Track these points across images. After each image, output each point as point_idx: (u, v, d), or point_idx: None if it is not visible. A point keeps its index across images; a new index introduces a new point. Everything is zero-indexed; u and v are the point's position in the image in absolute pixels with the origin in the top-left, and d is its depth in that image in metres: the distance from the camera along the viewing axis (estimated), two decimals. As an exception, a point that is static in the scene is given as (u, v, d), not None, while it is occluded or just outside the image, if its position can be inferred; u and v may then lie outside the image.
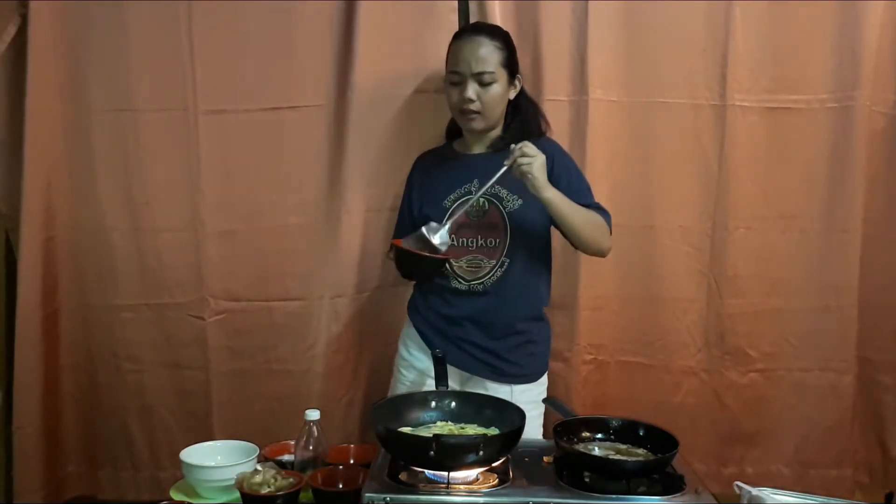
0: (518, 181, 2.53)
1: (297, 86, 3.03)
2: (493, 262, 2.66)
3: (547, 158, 2.56)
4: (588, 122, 3.04)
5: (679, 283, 3.18)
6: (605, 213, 2.69)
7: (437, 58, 2.86)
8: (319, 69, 3.02)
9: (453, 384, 2.62)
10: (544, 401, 2.57)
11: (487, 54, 2.62)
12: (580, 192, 2.67)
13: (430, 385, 2.61)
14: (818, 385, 3.23)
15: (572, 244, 2.68)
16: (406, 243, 2.56)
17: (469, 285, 2.68)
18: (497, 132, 2.75)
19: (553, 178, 2.58)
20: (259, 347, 3.16)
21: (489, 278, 2.67)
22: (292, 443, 2.38)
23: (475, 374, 2.70)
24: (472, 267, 2.67)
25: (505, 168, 2.46)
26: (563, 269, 3.07)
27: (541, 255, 2.75)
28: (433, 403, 2.37)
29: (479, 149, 2.76)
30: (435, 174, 2.79)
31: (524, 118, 2.77)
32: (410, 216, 2.83)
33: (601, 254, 2.69)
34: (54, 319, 3.10)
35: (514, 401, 2.47)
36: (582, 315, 3.14)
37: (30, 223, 2.97)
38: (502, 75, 2.64)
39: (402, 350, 2.87)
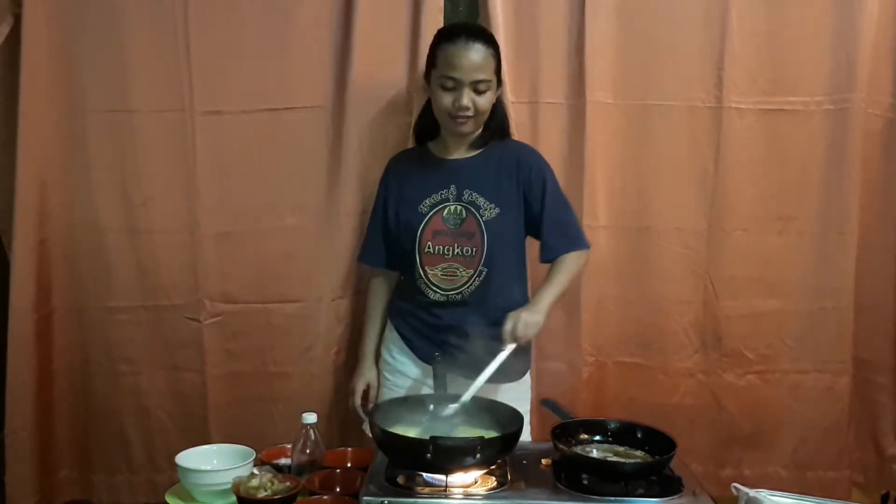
0: (494, 188, 2.63)
1: (294, 87, 3.02)
2: (471, 271, 2.64)
3: (523, 166, 2.67)
4: (586, 125, 3.04)
5: (676, 284, 3.17)
6: (582, 244, 2.75)
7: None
8: (317, 70, 3.02)
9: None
10: (542, 403, 2.56)
11: (485, 62, 2.59)
12: (564, 222, 2.73)
13: (421, 390, 2.64)
14: (815, 386, 3.23)
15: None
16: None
17: (447, 296, 2.66)
18: (476, 133, 2.73)
19: (528, 187, 2.65)
20: (256, 350, 3.15)
21: (467, 288, 2.65)
22: (289, 446, 2.37)
23: (459, 376, 2.68)
24: (447, 276, 2.65)
25: (505, 355, 2.45)
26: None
27: (517, 261, 2.75)
28: (431, 406, 2.37)
29: (457, 152, 2.74)
30: (411, 178, 2.76)
31: (500, 120, 2.77)
32: (384, 222, 2.81)
33: None
34: (48, 322, 3.08)
35: (497, 399, 2.49)
36: (582, 317, 3.14)
37: (23, 224, 2.95)
38: (494, 81, 2.63)
39: (386, 355, 2.85)
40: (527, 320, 2.47)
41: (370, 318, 2.92)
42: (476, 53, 2.58)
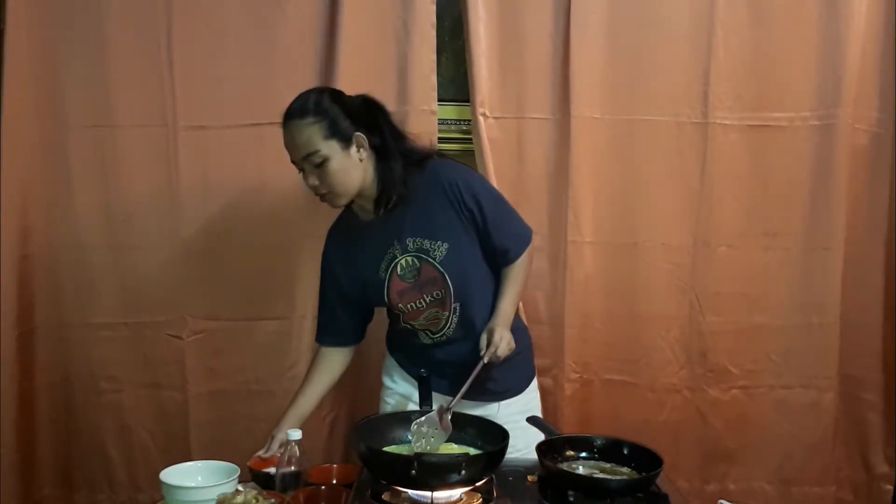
0: (434, 225, 2.48)
1: (278, 101, 2.96)
2: (447, 312, 2.55)
3: (449, 189, 2.47)
4: (571, 140, 3.04)
5: (661, 300, 3.18)
6: (529, 236, 2.63)
7: (418, 75, 2.85)
8: (301, 85, 2.96)
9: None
10: (529, 420, 2.55)
11: (303, 137, 2.38)
12: (509, 221, 2.61)
13: (411, 407, 2.59)
14: (800, 402, 3.24)
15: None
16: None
17: (434, 339, 2.60)
18: (372, 194, 2.51)
19: (464, 207, 2.49)
20: (238, 367, 3.15)
21: (448, 328, 2.57)
22: (279, 454, 2.35)
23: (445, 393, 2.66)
24: (431, 321, 2.57)
25: (481, 365, 2.39)
26: (550, 287, 3.13)
27: (486, 284, 2.62)
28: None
29: (375, 212, 2.55)
30: (355, 249, 2.61)
31: (394, 167, 2.50)
32: (341, 296, 2.65)
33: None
34: (30, 338, 3.06)
35: (500, 415, 2.49)
36: (567, 333, 3.14)
37: (5, 240, 2.94)
38: (333, 147, 2.39)
39: (387, 381, 2.79)
40: (507, 338, 2.44)
41: (308, 387, 2.63)
42: (292, 133, 2.41)
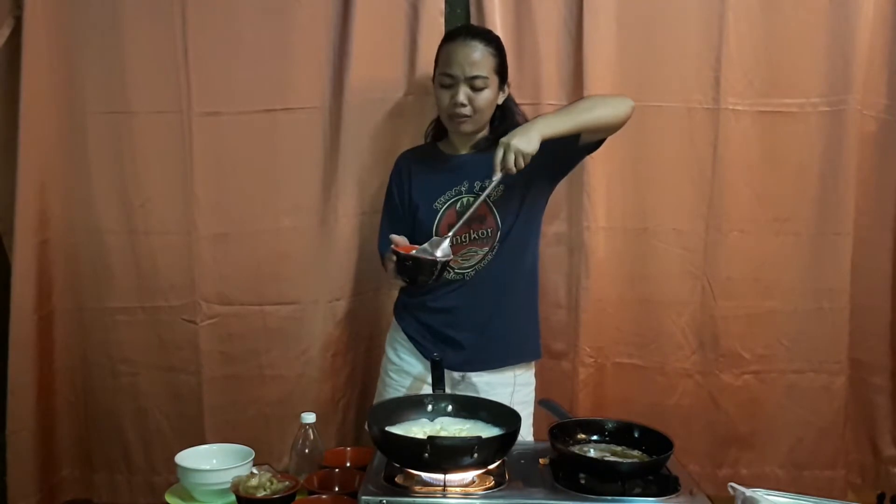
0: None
1: (291, 88, 3.03)
2: (486, 249, 2.65)
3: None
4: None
5: (673, 285, 3.18)
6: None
7: (430, 61, 2.86)
8: (314, 71, 3.03)
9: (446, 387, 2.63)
10: (540, 403, 2.56)
11: (482, 59, 2.60)
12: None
13: (425, 390, 2.61)
14: (811, 387, 3.24)
15: (597, 142, 2.66)
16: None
17: (463, 272, 2.66)
18: (483, 133, 2.73)
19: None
20: (252, 352, 3.16)
21: (480, 264, 2.66)
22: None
23: (470, 371, 2.70)
24: (465, 259, 2.66)
25: (496, 180, 2.42)
26: (568, 272, 3.16)
27: (528, 241, 2.74)
28: (429, 406, 2.37)
29: (464, 149, 2.74)
30: (423, 175, 2.76)
31: (510, 122, 2.72)
32: (404, 210, 2.77)
33: (625, 120, 2.61)
34: (49, 322, 3.09)
35: (515, 390, 2.58)
36: (582, 318, 3.16)
37: (24, 226, 2.96)
38: (494, 81, 2.63)
39: (391, 354, 2.83)
40: (517, 148, 2.38)
41: None
42: (472, 50, 2.60)
